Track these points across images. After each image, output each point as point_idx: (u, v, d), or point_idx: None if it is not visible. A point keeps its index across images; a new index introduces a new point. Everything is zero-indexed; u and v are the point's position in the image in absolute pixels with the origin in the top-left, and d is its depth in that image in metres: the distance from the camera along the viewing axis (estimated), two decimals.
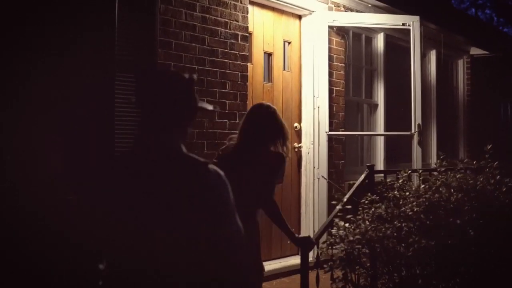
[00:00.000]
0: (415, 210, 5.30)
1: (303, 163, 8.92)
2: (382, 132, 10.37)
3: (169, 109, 2.73)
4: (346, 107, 9.60)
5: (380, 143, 10.50)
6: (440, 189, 5.59)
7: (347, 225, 5.39)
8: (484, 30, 14.03)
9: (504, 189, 5.66)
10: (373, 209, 5.68)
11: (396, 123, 10.62)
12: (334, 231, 5.58)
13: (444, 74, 12.87)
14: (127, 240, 2.63)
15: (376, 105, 10.50)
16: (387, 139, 10.62)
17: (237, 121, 7.35)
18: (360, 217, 5.69)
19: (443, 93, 12.73)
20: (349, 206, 6.09)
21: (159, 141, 2.70)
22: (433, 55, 12.27)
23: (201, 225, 2.56)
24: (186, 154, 2.74)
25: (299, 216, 8.94)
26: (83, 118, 5.38)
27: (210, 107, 3.03)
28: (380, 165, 10.44)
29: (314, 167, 8.89)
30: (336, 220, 5.64)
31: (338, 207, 5.80)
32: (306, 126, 8.90)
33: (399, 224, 5.20)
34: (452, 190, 5.43)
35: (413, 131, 9.30)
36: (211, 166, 2.65)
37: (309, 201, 8.92)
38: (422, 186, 5.70)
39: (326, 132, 8.84)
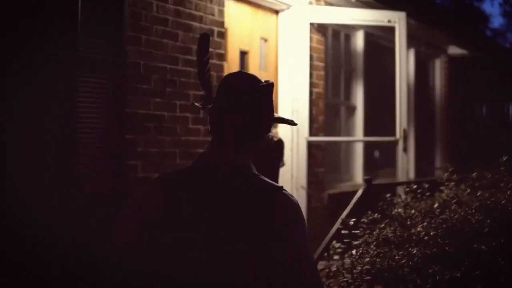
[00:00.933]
0: (431, 233, 4.55)
1: (280, 172, 8.16)
2: (362, 137, 9.69)
3: (253, 121, 2.48)
4: (325, 110, 8.89)
5: (359, 149, 9.83)
6: (454, 207, 4.86)
7: (353, 252, 4.61)
8: (464, 28, 13.46)
9: None
10: (377, 230, 4.94)
11: (375, 127, 9.98)
12: (336, 258, 4.82)
13: (421, 74, 12.26)
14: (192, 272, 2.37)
15: (355, 108, 9.80)
16: (366, 145, 9.95)
17: None
18: (363, 239, 4.95)
19: (420, 94, 12.12)
20: (351, 222, 5.32)
21: (233, 158, 2.45)
22: (412, 54, 11.62)
23: (276, 263, 2.28)
24: (258, 176, 2.44)
25: None
26: (42, 119, 4.99)
27: (287, 118, 2.64)
28: (359, 172, 9.79)
29: (292, 176, 8.15)
30: (336, 245, 4.87)
31: (335, 227, 4.97)
32: (284, 131, 8.14)
33: (414, 251, 4.45)
34: (472, 210, 4.70)
35: (397, 137, 8.58)
36: (286, 193, 2.39)
37: None
38: (437, 204, 4.95)
39: (306, 138, 8.11)
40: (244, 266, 2.30)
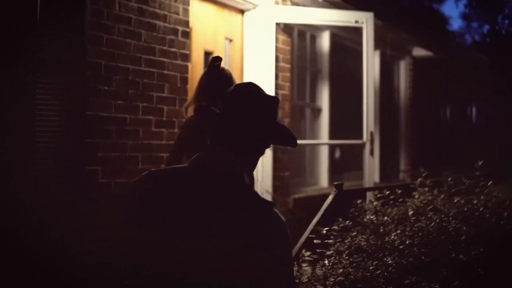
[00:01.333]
0: (406, 242, 4.36)
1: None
2: (328, 141, 9.51)
3: (259, 133, 2.45)
4: (290, 112, 8.69)
5: (324, 152, 9.65)
6: (430, 215, 4.68)
7: (326, 262, 4.39)
8: (429, 29, 13.36)
9: (505, 214, 4.78)
10: (349, 239, 4.74)
11: (341, 129, 9.83)
12: (305, 267, 4.61)
13: (386, 76, 12.14)
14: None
15: (320, 110, 9.63)
16: (332, 147, 9.79)
17: (176, 130, 6.36)
18: (334, 248, 4.75)
19: (385, 96, 11.99)
20: (323, 230, 5.10)
21: (232, 167, 2.40)
22: (377, 56, 11.48)
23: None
24: (252, 190, 2.43)
25: None
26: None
27: (294, 141, 2.61)
28: (324, 176, 9.61)
29: (257, 181, 7.92)
30: (306, 254, 4.65)
31: (305, 235, 4.74)
32: None
33: (389, 261, 4.25)
34: (450, 217, 4.52)
35: (364, 140, 8.41)
36: (276, 210, 2.35)
37: None
38: (411, 211, 4.77)
39: None
40: (225, 279, 2.22)
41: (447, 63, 13.55)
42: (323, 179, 9.66)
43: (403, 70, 12.79)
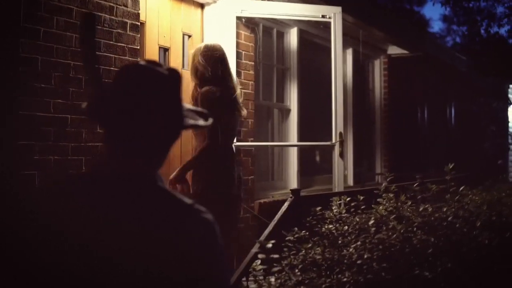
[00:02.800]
0: (365, 256, 3.87)
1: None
2: (296, 142, 9.04)
3: (151, 125, 2.06)
4: (255, 112, 8.21)
5: (293, 154, 9.17)
6: (392, 224, 4.18)
7: (272, 280, 3.88)
8: (405, 27, 12.93)
9: (478, 224, 4.30)
10: (303, 251, 4.24)
11: (311, 130, 9.37)
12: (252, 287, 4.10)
13: (360, 75, 11.68)
14: None
15: (289, 110, 9.15)
16: (302, 149, 9.31)
17: None
18: (287, 261, 4.25)
19: (359, 96, 11.54)
20: (269, 244, 4.57)
21: (135, 168, 2.06)
22: (349, 54, 11.03)
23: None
24: (165, 190, 2.08)
25: None
26: None
27: (201, 123, 2.21)
28: (294, 179, 9.14)
29: None
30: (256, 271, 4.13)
31: (253, 251, 4.20)
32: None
33: (345, 278, 3.75)
34: (415, 227, 4.03)
35: (334, 141, 7.94)
36: (198, 208, 2.05)
37: None
38: (372, 221, 4.26)
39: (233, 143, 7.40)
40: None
41: (424, 63, 13.14)
42: (293, 183, 9.18)
43: (377, 69, 12.34)
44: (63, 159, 5.46)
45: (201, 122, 2.22)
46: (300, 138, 9.11)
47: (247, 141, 7.81)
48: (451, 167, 4.70)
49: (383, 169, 12.25)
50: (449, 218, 4.14)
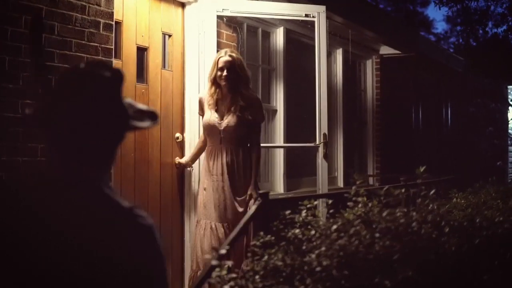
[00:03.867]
0: (324, 264, 3.74)
1: (186, 183, 7.32)
2: (282, 143, 8.92)
3: (88, 128, 2.03)
4: None
5: (279, 155, 9.06)
6: (354, 230, 4.04)
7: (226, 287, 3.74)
8: (397, 27, 12.80)
9: (447, 230, 4.16)
10: (266, 257, 4.12)
11: (299, 131, 9.25)
12: None
13: (351, 76, 11.56)
14: None
15: (275, 111, 9.04)
16: (288, 151, 9.19)
17: None
18: (249, 267, 4.13)
19: (350, 97, 11.42)
20: (222, 251, 4.42)
21: (73, 174, 2.03)
22: (339, 54, 10.89)
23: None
24: (106, 194, 2.04)
25: (182, 247, 7.34)
26: None
27: (146, 125, 2.15)
28: (280, 181, 9.01)
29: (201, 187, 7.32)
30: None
31: (212, 263, 4.04)
32: (191, 136, 7.32)
33: (302, 286, 3.63)
34: (377, 233, 3.91)
35: (317, 143, 7.84)
36: (138, 213, 2.02)
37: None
38: (335, 226, 4.13)
39: None
40: None
41: (418, 63, 12.99)
42: (279, 185, 9.07)
43: (369, 69, 12.20)
44: (32, 160, 5.35)
45: (146, 123, 2.16)
46: (287, 139, 8.99)
47: None
48: (422, 170, 4.55)
49: (375, 170, 12.13)
50: (413, 224, 4.02)
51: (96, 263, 1.93)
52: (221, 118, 6.59)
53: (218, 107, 6.66)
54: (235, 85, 6.57)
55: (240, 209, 6.43)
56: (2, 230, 2.00)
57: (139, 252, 2.00)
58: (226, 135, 6.53)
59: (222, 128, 6.53)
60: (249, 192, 6.48)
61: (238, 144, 6.57)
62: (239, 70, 6.58)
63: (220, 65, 6.55)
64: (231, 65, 6.53)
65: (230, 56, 6.58)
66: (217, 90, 6.65)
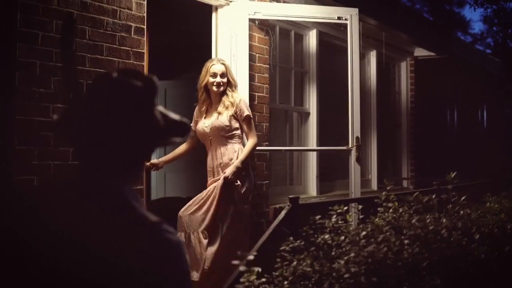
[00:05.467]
0: (352, 270, 3.71)
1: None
2: (315, 146, 8.88)
3: (115, 140, 1.96)
4: (272, 116, 8.07)
5: (312, 158, 9.02)
6: (382, 237, 4.00)
7: None
8: (431, 29, 12.67)
9: (477, 237, 4.10)
10: (294, 262, 4.10)
11: (332, 134, 9.21)
12: None
13: (385, 78, 11.47)
14: None
15: (308, 114, 9.00)
16: (321, 153, 9.15)
17: None
18: (278, 273, 4.11)
19: (384, 99, 11.33)
20: (251, 256, 4.40)
21: (99, 185, 1.96)
22: (373, 57, 10.82)
23: None
24: (133, 207, 1.95)
25: None
26: None
27: (177, 140, 2.09)
28: (313, 184, 8.97)
29: None
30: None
31: (241, 268, 4.04)
32: None
33: None
34: (406, 240, 3.86)
35: (350, 146, 7.78)
36: (164, 228, 1.93)
37: None
38: (364, 232, 4.09)
39: None
40: None
41: (452, 65, 12.86)
42: (312, 188, 9.03)
43: (403, 71, 12.08)
44: (63, 164, 5.38)
45: (177, 138, 2.11)
46: (320, 142, 8.95)
47: (262, 146, 7.66)
48: (453, 175, 4.50)
49: (409, 173, 12.03)
50: (442, 231, 3.96)
51: (121, 277, 1.87)
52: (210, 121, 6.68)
53: (207, 113, 6.74)
54: (225, 91, 6.68)
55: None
56: (24, 240, 1.93)
57: (166, 269, 1.93)
58: (213, 135, 6.59)
59: (208, 130, 6.59)
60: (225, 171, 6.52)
61: (226, 143, 6.60)
62: (230, 76, 6.71)
63: (212, 72, 6.64)
64: (223, 73, 6.65)
65: (222, 64, 6.72)
66: (207, 96, 6.77)
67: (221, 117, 6.61)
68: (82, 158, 2.02)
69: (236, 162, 6.49)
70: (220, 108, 6.64)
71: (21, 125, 5.08)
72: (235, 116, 6.63)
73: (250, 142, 6.71)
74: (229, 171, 6.42)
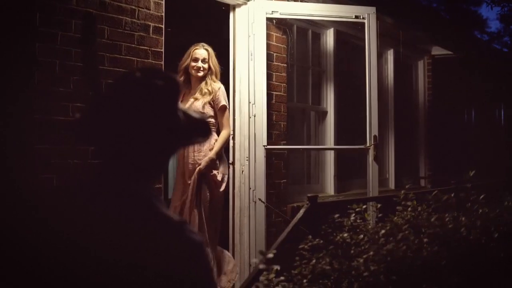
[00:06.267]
0: (371, 269, 3.71)
1: (237, 184, 7.36)
2: (332, 145, 8.88)
3: (137, 140, 1.94)
4: (290, 115, 8.07)
5: (330, 157, 9.02)
6: (401, 235, 4.00)
7: None
8: (448, 27, 12.63)
9: (496, 235, 4.09)
10: (313, 261, 4.10)
11: (349, 133, 9.19)
12: None
13: (402, 77, 11.43)
14: None
15: (326, 113, 9.00)
16: (339, 152, 9.14)
17: None
18: (297, 271, 4.12)
19: (401, 98, 11.29)
20: (270, 255, 4.41)
21: (121, 185, 1.93)
22: (390, 55, 10.81)
23: None
24: (156, 207, 1.93)
25: (231, 247, 7.36)
26: None
27: (198, 140, 2.15)
28: (330, 183, 8.97)
29: (250, 188, 7.33)
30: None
31: (260, 266, 4.04)
32: (241, 138, 7.35)
33: None
34: (425, 238, 3.86)
35: (368, 145, 7.78)
36: (188, 229, 1.92)
37: (244, 228, 7.35)
38: (383, 230, 4.09)
39: (264, 146, 7.28)
40: None
41: (470, 63, 12.79)
42: (329, 186, 9.04)
43: (421, 70, 12.05)
44: (83, 163, 5.40)
45: (199, 138, 2.15)
46: (337, 141, 8.95)
47: (279, 144, 7.68)
48: (471, 174, 4.49)
49: (427, 172, 11.99)
50: (461, 229, 3.96)
51: (146, 277, 1.86)
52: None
53: (184, 98, 6.83)
54: (204, 77, 6.76)
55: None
56: (48, 242, 1.90)
57: (190, 268, 1.92)
58: None
59: None
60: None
61: None
62: (212, 63, 6.78)
63: (194, 56, 6.73)
64: (204, 58, 6.74)
65: (206, 49, 6.80)
66: (186, 79, 6.84)
67: (196, 102, 6.69)
68: (104, 158, 2.01)
69: (210, 154, 6.56)
70: (197, 94, 6.74)
71: (40, 124, 5.11)
72: (211, 104, 6.70)
73: (224, 133, 6.74)
74: (203, 164, 6.53)
